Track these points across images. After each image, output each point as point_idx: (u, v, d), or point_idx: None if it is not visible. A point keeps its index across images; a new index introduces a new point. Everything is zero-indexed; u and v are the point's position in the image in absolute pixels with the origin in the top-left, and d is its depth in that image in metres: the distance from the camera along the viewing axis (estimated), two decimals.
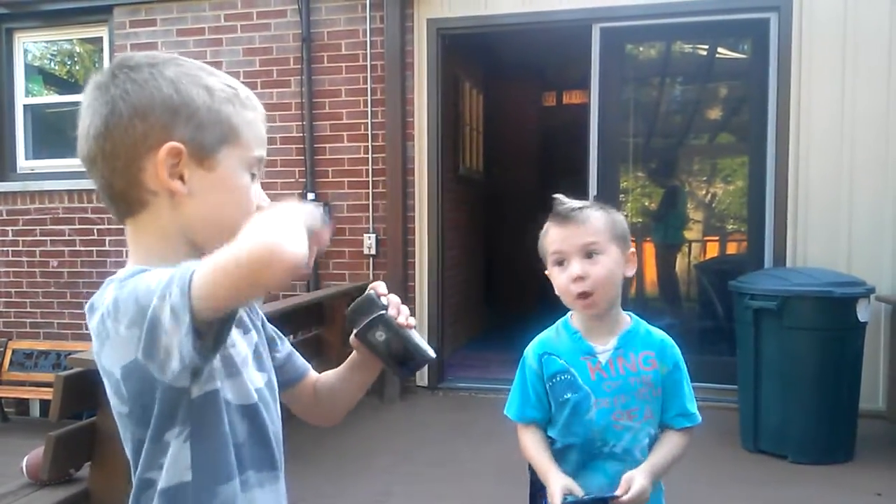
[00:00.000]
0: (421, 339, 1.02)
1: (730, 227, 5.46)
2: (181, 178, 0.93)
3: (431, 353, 1.03)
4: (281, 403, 1.08)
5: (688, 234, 5.43)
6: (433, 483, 3.58)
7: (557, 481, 1.47)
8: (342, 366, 1.14)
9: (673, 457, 1.55)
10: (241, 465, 0.97)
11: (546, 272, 1.60)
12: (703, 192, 5.51)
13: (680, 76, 5.54)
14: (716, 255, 5.44)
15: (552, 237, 1.55)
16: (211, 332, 0.82)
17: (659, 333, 1.63)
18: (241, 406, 0.98)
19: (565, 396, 1.53)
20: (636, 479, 1.44)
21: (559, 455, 1.55)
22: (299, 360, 1.17)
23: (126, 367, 0.87)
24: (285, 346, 1.15)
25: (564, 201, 1.56)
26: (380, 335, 1.00)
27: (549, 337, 1.61)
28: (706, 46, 5.41)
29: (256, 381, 1.02)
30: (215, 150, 0.95)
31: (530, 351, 1.61)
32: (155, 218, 0.95)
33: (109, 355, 0.89)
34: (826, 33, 4.51)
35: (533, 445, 1.56)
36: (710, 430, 4.25)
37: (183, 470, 0.91)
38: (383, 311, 1.00)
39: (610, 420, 1.51)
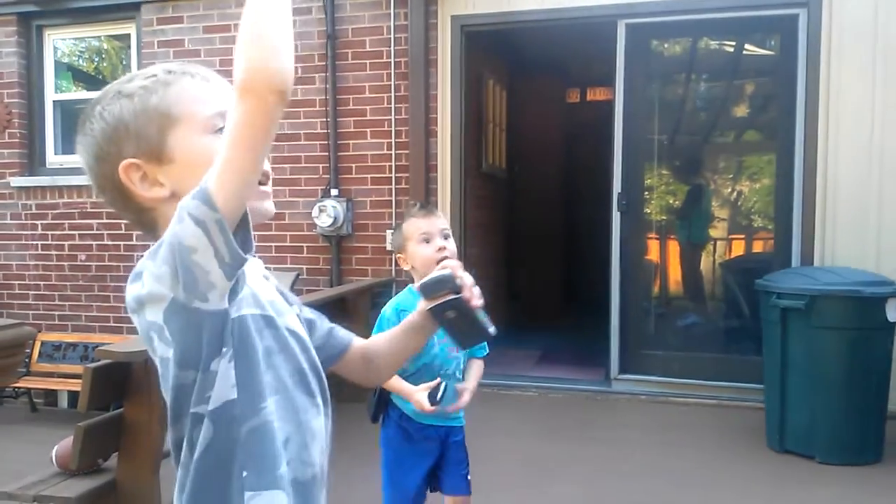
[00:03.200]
0: (485, 318, 1.12)
1: (756, 225, 5.39)
2: (159, 183, 0.99)
3: (492, 330, 1.12)
4: None
5: (713, 233, 5.38)
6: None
7: (419, 391, 2.11)
8: (396, 329, 1.22)
9: (478, 378, 2.31)
10: (312, 389, 1.04)
11: (400, 255, 2.26)
12: (729, 189, 5.45)
13: (706, 73, 5.48)
14: (742, 253, 5.38)
15: (419, 224, 2.21)
16: (238, 234, 0.88)
17: None
18: (299, 336, 1.06)
19: None
20: (467, 389, 2.20)
21: (413, 380, 2.15)
22: (340, 332, 1.23)
23: (167, 310, 0.90)
24: (324, 324, 1.21)
25: (423, 203, 2.40)
26: (450, 314, 1.10)
27: (403, 298, 2.23)
28: (733, 43, 5.35)
29: (300, 327, 1.09)
30: (163, 143, 0.99)
31: (389, 308, 2.21)
32: (166, 226, 1.01)
33: (152, 307, 0.92)
34: (856, 29, 4.44)
35: (395, 377, 2.14)
36: (735, 430, 4.24)
37: (228, 388, 0.94)
38: (460, 296, 1.09)
39: (446, 352, 2.21)
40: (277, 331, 1.01)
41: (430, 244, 2.18)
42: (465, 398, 2.19)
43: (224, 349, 0.94)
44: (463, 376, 2.27)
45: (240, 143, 0.84)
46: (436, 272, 1.13)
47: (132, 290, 0.94)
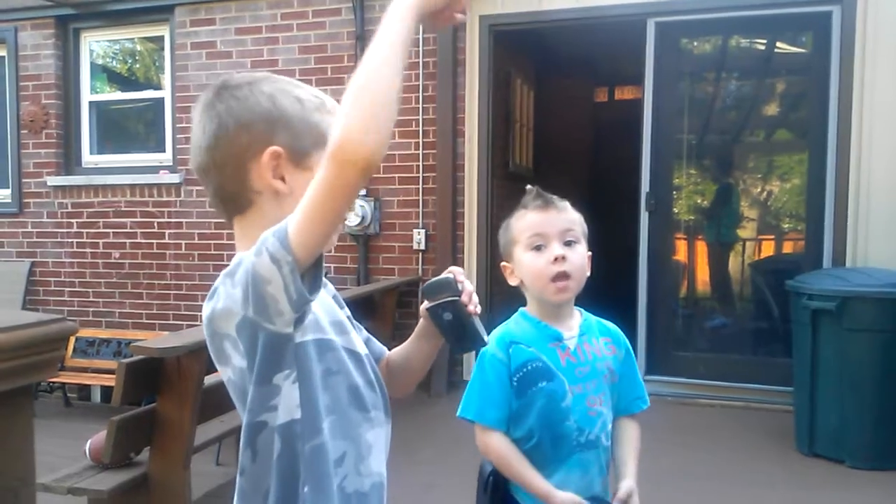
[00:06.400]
0: (481, 327, 1.15)
1: (786, 225, 5.32)
2: (282, 178, 1.07)
3: (486, 340, 1.17)
4: None
5: (742, 233, 5.32)
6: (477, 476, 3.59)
7: (563, 498, 1.45)
8: (411, 338, 1.26)
9: (639, 450, 1.58)
10: (365, 405, 1.10)
11: (505, 264, 1.61)
12: (759, 189, 5.38)
13: (737, 71, 5.41)
14: (771, 254, 5.31)
15: (531, 221, 1.55)
16: (308, 276, 0.94)
17: (609, 323, 1.67)
18: (356, 354, 1.12)
19: (539, 385, 1.49)
20: (632, 491, 1.49)
21: (532, 456, 1.49)
22: (376, 344, 1.28)
23: (238, 325, 1.00)
24: (363, 333, 1.27)
25: (540, 191, 1.59)
26: (447, 315, 1.13)
27: (510, 328, 1.58)
28: (764, 41, 5.28)
29: (360, 345, 1.16)
30: (309, 153, 1.08)
31: (493, 343, 1.53)
32: (261, 214, 1.08)
33: (224, 318, 1.01)
34: (892, 27, 4.35)
35: (513, 454, 1.50)
36: (763, 432, 4.20)
37: (293, 408, 1.03)
38: (457, 298, 1.12)
39: (585, 406, 1.49)
40: (336, 352, 1.08)
41: (544, 252, 1.52)
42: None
43: (287, 370, 1.02)
44: (611, 443, 1.55)
45: (320, 203, 0.91)
46: (441, 276, 1.14)
47: (209, 305, 1.03)
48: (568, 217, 1.55)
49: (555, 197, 1.58)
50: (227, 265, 1.05)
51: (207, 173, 1.10)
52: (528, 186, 1.61)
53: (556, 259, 1.50)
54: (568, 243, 1.53)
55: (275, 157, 1.06)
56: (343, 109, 0.90)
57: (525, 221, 1.56)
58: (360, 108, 0.89)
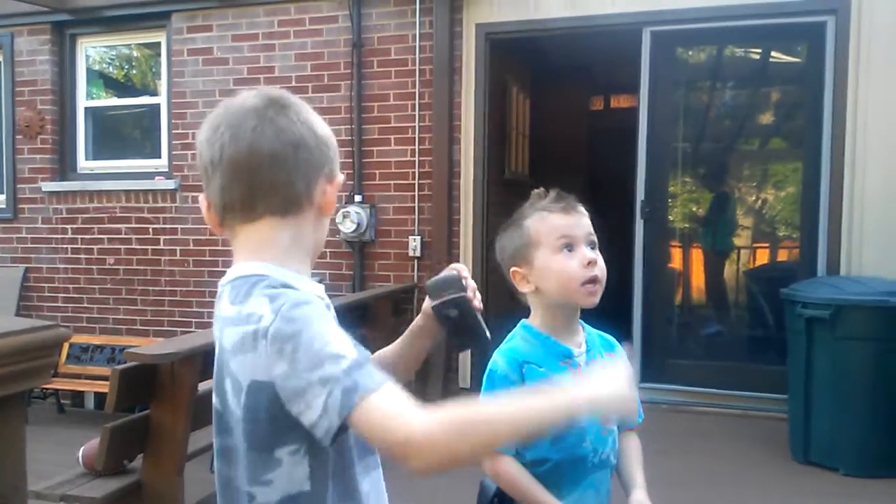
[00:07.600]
0: (483, 324, 1.16)
1: (781, 233, 5.34)
2: (327, 200, 1.10)
3: (489, 336, 1.17)
4: None
5: (737, 241, 5.33)
6: (475, 486, 3.58)
7: None
8: (403, 337, 1.24)
9: (642, 462, 1.58)
10: (367, 449, 1.06)
11: (516, 269, 1.51)
12: (754, 197, 5.41)
13: (731, 80, 5.44)
14: (766, 262, 5.33)
15: (558, 223, 1.46)
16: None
17: (608, 336, 1.62)
18: None
19: None
20: (644, 501, 1.48)
21: (546, 479, 1.43)
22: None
23: (256, 383, 0.94)
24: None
25: (561, 192, 1.53)
26: (452, 313, 1.14)
27: (517, 345, 1.49)
28: (759, 50, 5.31)
29: None
30: (335, 174, 1.12)
31: (503, 363, 1.46)
32: (299, 225, 1.07)
33: (244, 366, 0.96)
34: (886, 37, 4.39)
35: (526, 478, 1.43)
36: (758, 440, 4.20)
37: (301, 481, 0.98)
38: (463, 294, 1.13)
39: (598, 426, 1.45)
40: None
41: (574, 255, 1.45)
42: None
43: (294, 445, 0.97)
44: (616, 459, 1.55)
45: (380, 437, 0.88)
46: (444, 272, 1.14)
47: (236, 330, 0.97)
48: (588, 221, 1.50)
49: (574, 199, 1.53)
50: (224, 272, 1.02)
51: (259, 168, 1.03)
52: (540, 189, 1.55)
53: (588, 263, 1.44)
54: (592, 246, 1.48)
55: (327, 183, 1.09)
56: (442, 419, 0.87)
57: (549, 223, 1.47)
58: (458, 439, 0.87)
